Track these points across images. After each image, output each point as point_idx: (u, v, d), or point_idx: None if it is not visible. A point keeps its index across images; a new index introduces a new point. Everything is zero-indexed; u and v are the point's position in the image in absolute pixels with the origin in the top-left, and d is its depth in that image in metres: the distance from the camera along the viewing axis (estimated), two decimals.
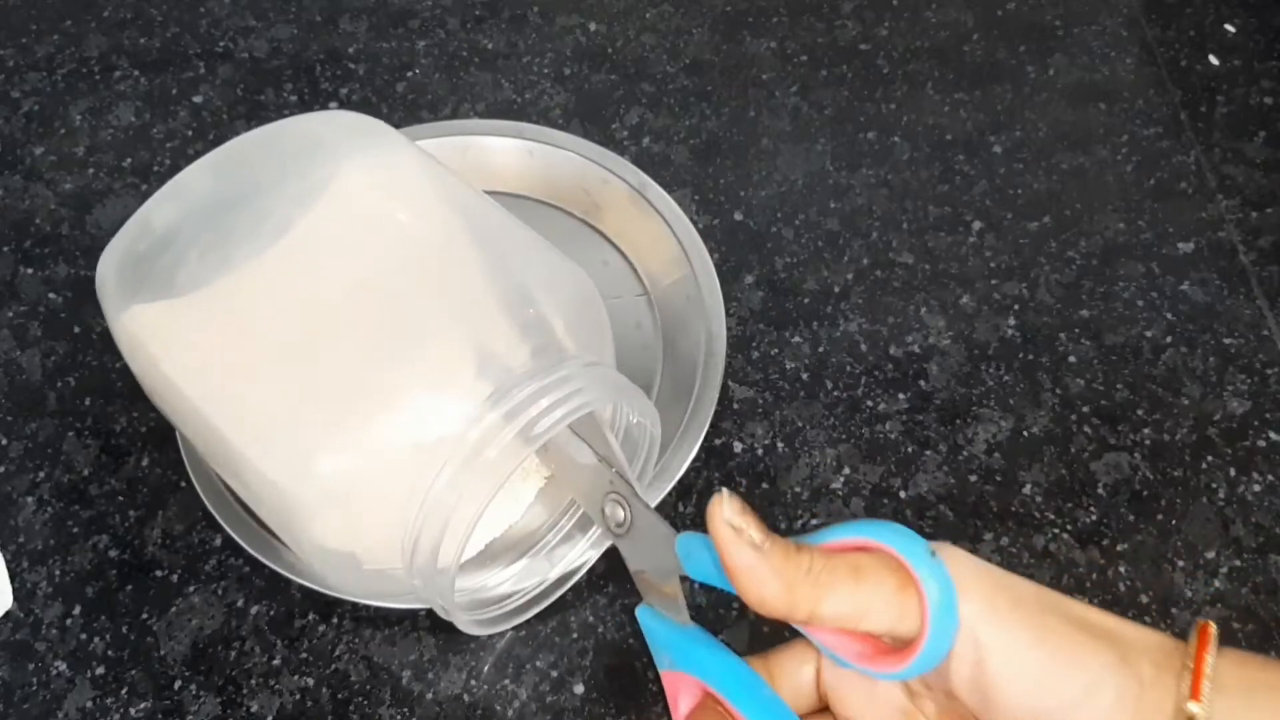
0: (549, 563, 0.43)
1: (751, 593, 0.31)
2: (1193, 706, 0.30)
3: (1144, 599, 0.46)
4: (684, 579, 0.36)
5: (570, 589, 0.43)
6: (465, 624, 0.39)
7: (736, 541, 0.31)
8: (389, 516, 0.36)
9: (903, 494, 0.48)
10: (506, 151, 0.57)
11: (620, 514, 0.37)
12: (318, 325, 0.37)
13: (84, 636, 0.45)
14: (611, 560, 0.43)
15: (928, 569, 0.30)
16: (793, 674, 0.36)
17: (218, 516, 0.45)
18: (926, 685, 0.34)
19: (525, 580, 0.42)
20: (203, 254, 0.39)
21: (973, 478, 0.49)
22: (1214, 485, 0.49)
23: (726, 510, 0.31)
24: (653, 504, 0.45)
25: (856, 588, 0.30)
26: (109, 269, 0.41)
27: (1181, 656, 0.31)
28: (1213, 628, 0.31)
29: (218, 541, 0.47)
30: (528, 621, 0.45)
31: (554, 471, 0.42)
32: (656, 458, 0.42)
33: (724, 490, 0.31)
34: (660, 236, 0.54)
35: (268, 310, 0.38)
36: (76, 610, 0.46)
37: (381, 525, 0.36)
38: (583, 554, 0.43)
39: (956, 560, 0.31)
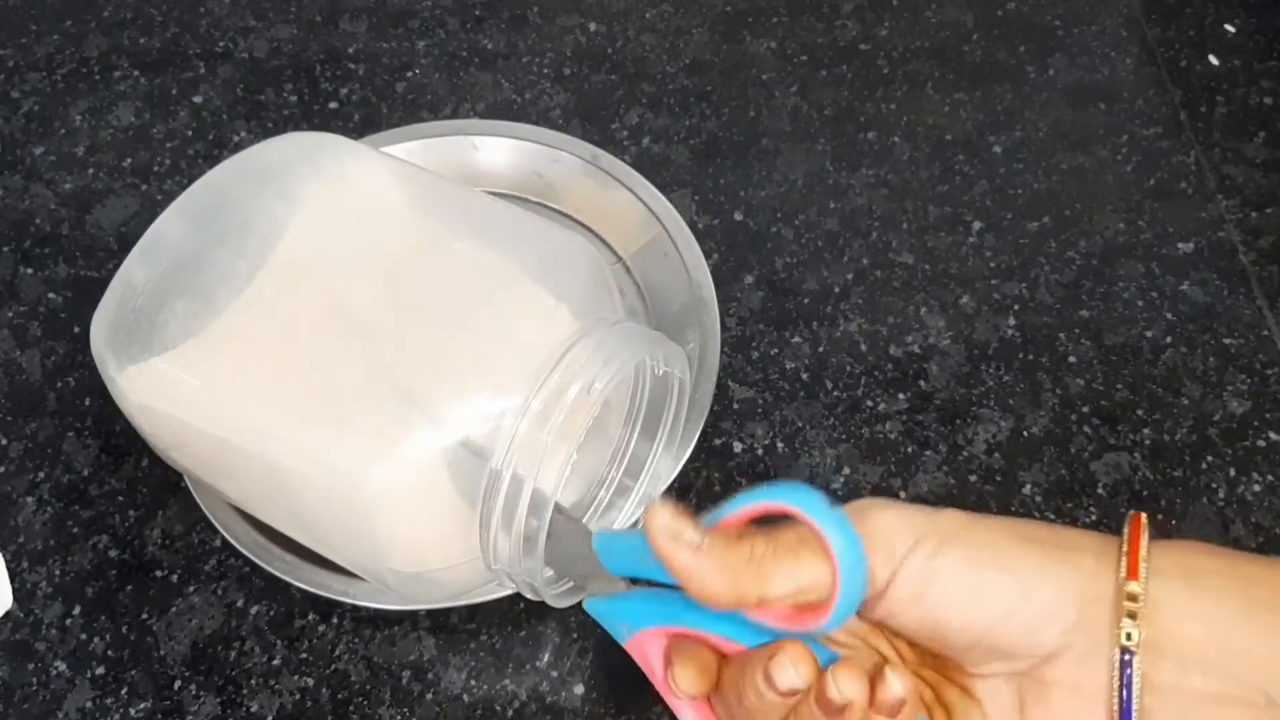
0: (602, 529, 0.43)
1: (697, 591, 0.31)
2: (1132, 585, 0.30)
3: None
4: None
5: None
6: (552, 598, 0.39)
7: (674, 546, 0.31)
8: (458, 512, 0.37)
9: (903, 494, 0.48)
10: (453, 149, 0.57)
11: (534, 524, 0.38)
12: (332, 342, 0.38)
13: (84, 637, 0.45)
14: None
15: (829, 521, 0.31)
16: None
17: (214, 521, 0.45)
18: (871, 628, 0.35)
19: None
20: (190, 303, 0.39)
21: (973, 478, 0.49)
22: (1214, 485, 0.49)
23: (660, 519, 0.31)
24: (662, 489, 0.45)
25: (798, 565, 0.31)
26: (100, 336, 0.41)
27: (1117, 548, 0.32)
28: (1144, 517, 0.32)
29: (217, 542, 0.47)
30: (527, 621, 0.45)
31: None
32: (686, 403, 0.43)
33: (654, 501, 0.33)
34: (623, 202, 0.54)
35: (277, 338, 0.38)
36: (76, 610, 0.46)
37: (452, 521, 0.37)
38: (633, 514, 0.43)
39: (880, 509, 0.32)
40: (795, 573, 0.31)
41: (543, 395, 0.36)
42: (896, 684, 0.30)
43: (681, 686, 0.34)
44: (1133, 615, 0.30)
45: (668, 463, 0.44)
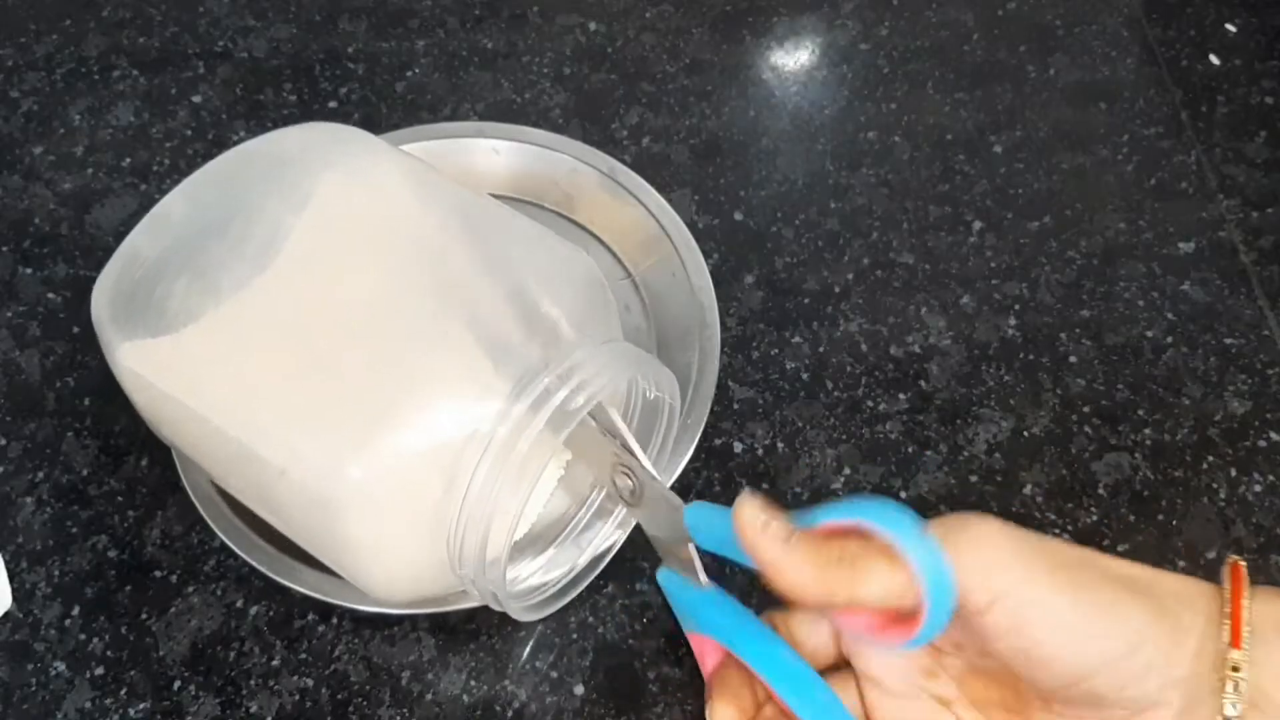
0: (577, 548, 0.43)
1: (784, 583, 0.31)
2: (1235, 655, 0.30)
3: None
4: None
5: None
6: (517, 611, 0.39)
7: (763, 538, 0.31)
8: (427, 516, 0.37)
9: (903, 494, 0.48)
10: (473, 152, 0.57)
11: (630, 484, 0.38)
12: (324, 338, 0.38)
13: (83, 637, 0.45)
14: (610, 561, 0.43)
15: (917, 549, 0.30)
16: (812, 631, 0.37)
17: (210, 522, 0.45)
18: (957, 645, 0.34)
19: (555, 569, 0.42)
20: (190, 283, 0.39)
21: (973, 478, 0.49)
22: (1215, 485, 0.48)
23: (749, 509, 0.31)
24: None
25: (892, 569, 0.30)
26: (101, 306, 0.41)
27: (1218, 602, 0.31)
28: (1243, 567, 0.32)
29: (216, 542, 0.47)
30: (527, 621, 0.45)
31: (570, 450, 0.43)
32: (676, 426, 0.42)
33: (746, 490, 0.32)
34: (636, 218, 0.54)
35: (273, 329, 0.38)
36: (75, 611, 0.45)
37: (421, 525, 0.37)
38: (610, 536, 0.43)
39: (986, 535, 0.31)
40: (889, 576, 0.30)
41: (523, 404, 0.36)
42: None
43: None
44: (1236, 686, 0.30)
45: None
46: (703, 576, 0.37)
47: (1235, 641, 0.30)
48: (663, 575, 0.38)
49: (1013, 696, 0.34)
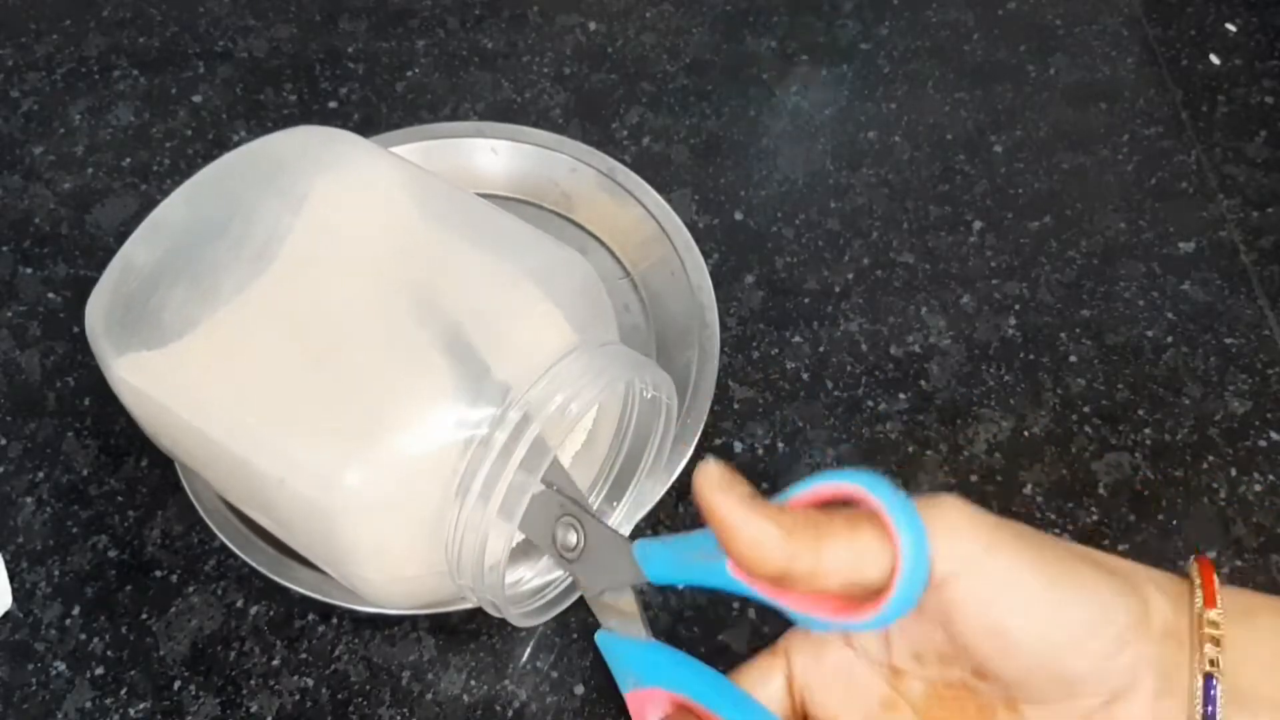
0: None
1: (743, 544, 0.29)
2: (1212, 613, 0.30)
3: None
4: (640, 592, 0.36)
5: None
6: (516, 617, 0.39)
7: (724, 496, 0.29)
8: (426, 522, 0.36)
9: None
10: (471, 152, 0.57)
11: (573, 538, 0.37)
12: (321, 344, 0.38)
13: (83, 637, 0.45)
14: None
15: (895, 504, 0.29)
16: (762, 686, 0.35)
17: (210, 522, 0.45)
18: (917, 656, 0.33)
19: (556, 570, 0.42)
20: (187, 291, 0.39)
21: (973, 478, 0.49)
22: (1215, 485, 0.48)
23: (711, 469, 0.30)
24: (651, 504, 0.45)
25: (856, 538, 0.29)
26: (96, 317, 0.41)
27: (1183, 584, 0.31)
28: (1208, 559, 0.32)
29: (216, 542, 0.47)
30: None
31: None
32: (674, 426, 0.42)
33: (708, 457, 0.30)
34: (635, 218, 0.54)
35: (268, 336, 0.38)
36: (76, 610, 0.45)
37: (420, 531, 0.37)
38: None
39: (953, 507, 0.30)
40: (854, 546, 0.29)
41: (520, 408, 0.36)
42: None
43: None
44: (1215, 641, 0.29)
45: (652, 488, 0.43)
46: (645, 629, 0.36)
47: (1209, 602, 0.30)
48: (601, 637, 0.37)
49: (974, 713, 0.32)
